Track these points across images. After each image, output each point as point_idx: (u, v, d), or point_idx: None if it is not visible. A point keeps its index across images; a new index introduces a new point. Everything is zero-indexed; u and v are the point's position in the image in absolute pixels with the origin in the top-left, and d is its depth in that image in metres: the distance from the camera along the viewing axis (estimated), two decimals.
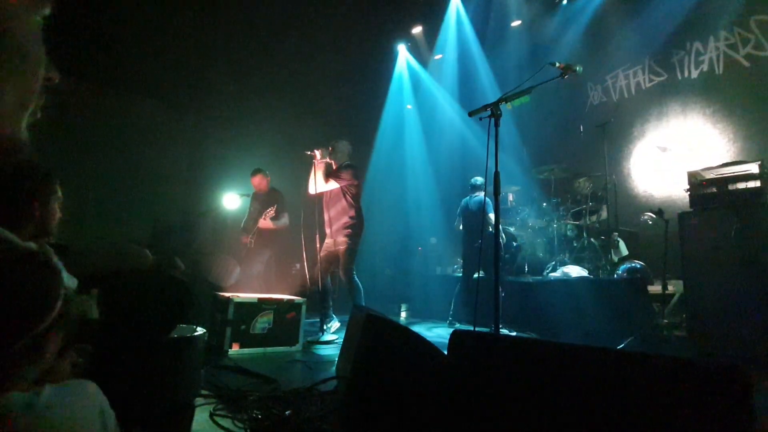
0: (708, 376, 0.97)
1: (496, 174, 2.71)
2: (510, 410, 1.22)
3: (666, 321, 3.97)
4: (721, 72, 5.58)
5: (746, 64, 5.34)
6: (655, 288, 4.38)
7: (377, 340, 1.80)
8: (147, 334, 1.57)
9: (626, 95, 6.66)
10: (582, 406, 1.10)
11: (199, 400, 2.10)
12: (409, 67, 9.22)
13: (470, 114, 2.77)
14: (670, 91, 6.09)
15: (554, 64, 2.75)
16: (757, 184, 3.29)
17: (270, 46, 6.98)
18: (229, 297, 3.57)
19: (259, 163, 5.34)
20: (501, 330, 3.23)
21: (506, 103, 2.69)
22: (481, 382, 1.32)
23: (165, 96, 6.29)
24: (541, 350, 1.30)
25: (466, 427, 1.30)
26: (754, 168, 3.35)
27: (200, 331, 1.77)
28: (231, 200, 5.01)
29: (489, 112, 2.65)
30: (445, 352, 1.47)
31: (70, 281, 0.71)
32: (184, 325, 1.80)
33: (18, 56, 0.60)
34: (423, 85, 9.13)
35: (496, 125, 2.63)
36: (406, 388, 1.68)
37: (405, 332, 1.81)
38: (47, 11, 0.66)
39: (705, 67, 5.75)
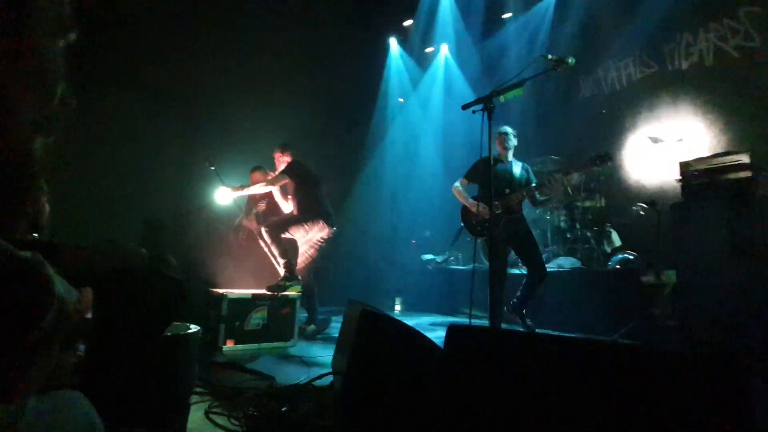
0: (706, 368, 0.97)
1: (490, 167, 2.71)
2: (507, 404, 1.22)
3: (659, 311, 4.01)
4: (711, 63, 5.60)
5: (736, 55, 5.36)
6: (648, 278, 4.41)
7: (373, 335, 1.80)
8: (141, 332, 1.56)
9: (617, 87, 6.68)
10: (579, 400, 1.10)
11: (194, 398, 2.09)
12: (401, 60, 9.18)
13: (464, 107, 2.77)
14: (661, 82, 6.11)
15: (547, 57, 2.75)
16: (747, 174, 3.31)
17: (260, 40, 6.91)
18: (222, 293, 3.55)
19: (251, 158, 5.30)
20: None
21: (499, 96, 2.69)
22: (478, 376, 1.32)
23: (153, 90, 6.21)
24: (537, 344, 1.29)
25: (462, 422, 1.30)
26: (744, 158, 3.37)
27: (194, 328, 1.76)
28: (222, 195, 4.96)
29: (482, 106, 2.64)
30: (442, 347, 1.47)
31: (68, 294, 0.69)
32: (177, 323, 1.78)
33: (35, 75, 0.61)
34: (415, 77, 9.10)
35: (490, 119, 2.62)
36: (402, 383, 1.68)
37: (400, 327, 1.80)
38: (73, 37, 0.66)
39: (695, 58, 5.77)
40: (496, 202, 3.79)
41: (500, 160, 4.09)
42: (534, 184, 3.90)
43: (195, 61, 6.51)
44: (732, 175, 3.40)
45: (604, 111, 6.30)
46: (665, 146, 5.77)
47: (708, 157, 3.65)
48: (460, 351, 1.40)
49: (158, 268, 1.74)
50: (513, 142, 4.16)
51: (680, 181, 3.71)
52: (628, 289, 4.33)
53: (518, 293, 4.10)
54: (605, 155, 3.61)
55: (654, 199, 4.49)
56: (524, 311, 4.08)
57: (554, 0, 7.24)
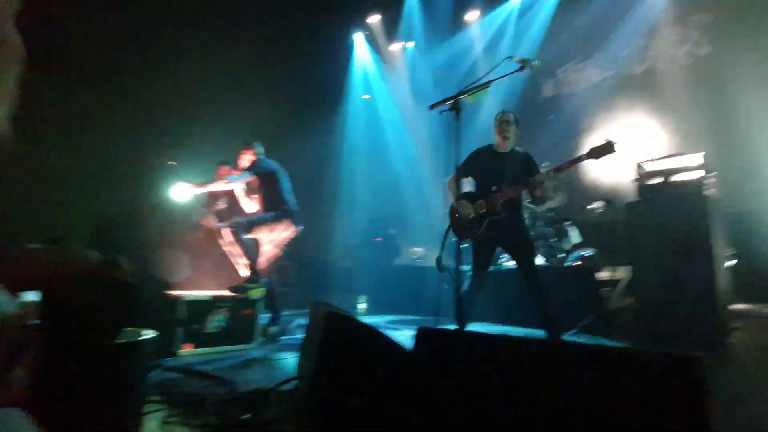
0: (664, 368, 0.99)
1: (458, 167, 2.72)
2: (474, 405, 1.22)
3: (615, 306, 4.15)
4: (663, 68, 5.85)
5: (686, 61, 5.62)
6: (605, 274, 4.57)
7: (339, 338, 1.76)
8: (91, 340, 1.46)
9: (576, 89, 6.88)
10: (546, 400, 1.11)
11: (150, 407, 1.99)
12: (366, 57, 9.13)
13: (431, 107, 2.75)
14: (617, 85, 6.34)
15: (512, 59, 2.77)
16: (698, 174, 3.47)
17: (223, 32, 6.70)
18: (179, 295, 3.41)
19: (211, 154, 5.13)
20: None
21: (466, 96, 2.69)
22: (446, 378, 1.31)
23: (106, 83, 5.91)
24: (502, 345, 1.30)
25: (430, 424, 1.29)
26: (695, 160, 3.53)
27: (149, 333, 1.67)
28: (181, 191, 4.76)
29: (450, 106, 2.64)
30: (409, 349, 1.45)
31: (9, 306, 0.63)
32: (131, 328, 1.69)
33: (11, 53, 0.59)
34: (381, 74, 9.06)
35: (457, 119, 2.62)
36: (369, 387, 1.65)
37: (367, 330, 1.77)
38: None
39: (649, 63, 6.01)
40: (481, 201, 3.36)
41: (496, 151, 3.56)
42: (522, 182, 3.33)
43: (154, 53, 6.24)
44: (684, 176, 3.55)
45: (552, 116, 6.52)
46: (621, 147, 5.96)
47: (661, 158, 3.80)
48: (428, 353, 1.39)
49: (109, 271, 1.64)
50: (514, 129, 3.57)
51: (635, 180, 3.85)
52: (587, 284, 4.45)
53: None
54: (608, 144, 3.20)
55: (611, 198, 4.64)
56: (556, 325, 3.29)
57: (519, 2, 7.38)
